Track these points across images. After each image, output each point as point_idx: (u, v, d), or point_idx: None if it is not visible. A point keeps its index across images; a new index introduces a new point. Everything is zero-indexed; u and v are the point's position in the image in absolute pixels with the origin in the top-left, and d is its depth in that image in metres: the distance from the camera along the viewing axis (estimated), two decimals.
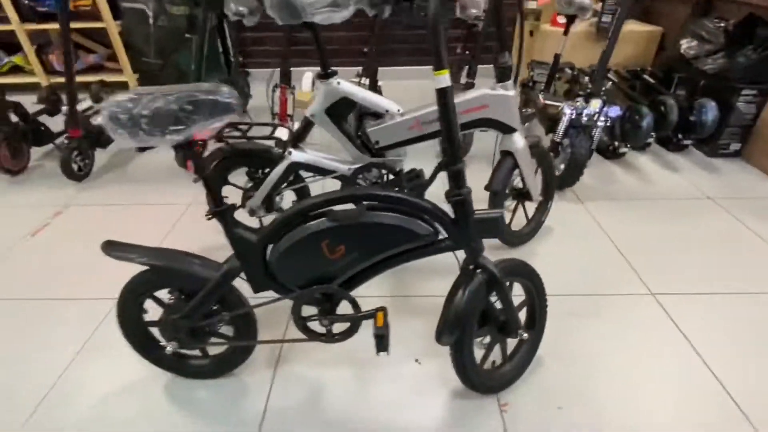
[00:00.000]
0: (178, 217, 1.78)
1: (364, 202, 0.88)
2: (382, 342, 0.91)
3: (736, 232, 1.64)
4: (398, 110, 1.33)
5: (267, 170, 1.44)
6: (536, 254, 1.54)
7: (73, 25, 3.05)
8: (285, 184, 1.46)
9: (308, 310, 0.99)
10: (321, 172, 1.42)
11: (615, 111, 1.76)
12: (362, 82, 2.23)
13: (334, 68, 1.30)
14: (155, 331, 1.04)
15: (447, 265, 1.48)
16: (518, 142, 1.35)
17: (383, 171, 1.42)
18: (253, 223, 1.61)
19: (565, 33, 2.17)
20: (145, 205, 1.87)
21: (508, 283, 1.01)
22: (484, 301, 0.94)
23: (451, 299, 0.91)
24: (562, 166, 1.85)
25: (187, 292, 1.01)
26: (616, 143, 2.11)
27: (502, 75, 1.26)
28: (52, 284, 1.45)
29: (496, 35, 1.24)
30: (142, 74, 3.25)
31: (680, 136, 2.17)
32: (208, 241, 1.61)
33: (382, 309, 0.95)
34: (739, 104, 2.02)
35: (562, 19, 2.60)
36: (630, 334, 1.23)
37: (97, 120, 2.25)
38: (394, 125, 1.33)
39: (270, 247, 0.93)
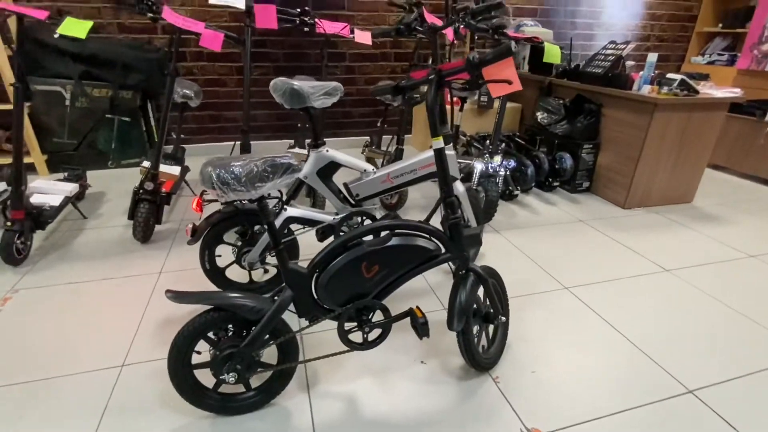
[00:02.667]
0: (152, 286, 1.81)
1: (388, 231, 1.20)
2: (425, 328, 1.19)
3: (604, 241, 2.30)
4: (373, 169, 1.70)
5: (257, 228, 1.64)
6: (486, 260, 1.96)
7: None
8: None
9: (347, 326, 1.22)
10: (311, 223, 1.68)
11: (512, 163, 2.39)
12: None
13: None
14: (199, 375, 1.15)
15: (423, 289, 1.81)
16: (459, 187, 1.81)
17: (363, 218, 1.74)
18: (241, 277, 1.76)
19: (461, 110, 2.85)
20: (110, 279, 1.85)
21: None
22: (476, 295, 1.30)
23: (454, 296, 1.25)
24: (482, 205, 2.38)
25: (236, 329, 1.16)
26: (510, 188, 2.77)
27: (445, 140, 1.73)
28: (36, 365, 1.38)
29: (438, 113, 1.72)
30: (52, 155, 3.10)
31: (550, 179, 2.93)
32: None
33: (413, 307, 1.24)
34: (583, 155, 2.85)
35: (455, 99, 3.35)
36: (559, 316, 1.69)
37: (29, 200, 2.15)
38: (370, 181, 1.69)
39: (315, 276, 1.17)
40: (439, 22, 1.91)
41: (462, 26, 1.76)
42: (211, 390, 1.19)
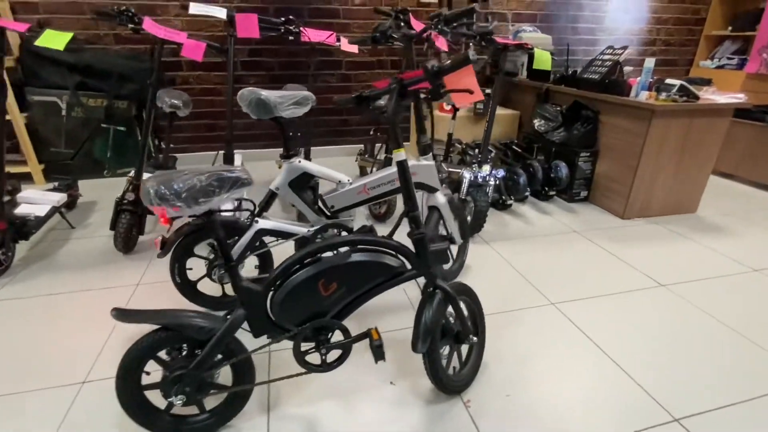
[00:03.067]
0: (128, 298, 1.79)
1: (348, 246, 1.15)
2: (380, 351, 1.13)
3: (598, 253, 2.21)
4: (348, 180, 1.66)
5: (237, 238, 1.60)
6: (468, 278, 1.89)
7: None
8: (249, 252, 1.64)
9: (304, 346, 1.17)
10: (284, 236, 1.64)
11: (501, 173, 2.32)
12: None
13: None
14: (150, 396, 1.11)
15: (400, 303, 1.75)
16: (440, 198, 1.75)
17: (338, 230, 1.69)
18: (215, 290, 1.73)
19: (453, 118, 2.79)
20: (88, 291, 1.83)
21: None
22: (444, 314, 1.23)
23: (420, 316, 1.18)
24: (469, 218, 2.31)
25: (189, 349, 1.12)
26: (503, 197, 2.69)
27: (424, 151, 1.68)
28: (1, 379, 1.36)
29: (416, 124, 1.67)
30: (49, 164, 3.13)
31: (546, 189, 2.84)
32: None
33: (372, 328, 1.18)
34: (580, 163, 2.76)
35: (447, 107, 3.29)
36: (542, 334, 1.61)
37: (16, 210, 2.17)
38: (346, 192, 1.65)
39: (270, 294, 1.12)
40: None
41: (434, 33, 1.71)
42: (163, 411, 1.15)
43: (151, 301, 1.77)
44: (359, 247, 1.16)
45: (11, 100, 2.86)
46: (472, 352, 1.39)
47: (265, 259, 1.71)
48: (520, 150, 3.08)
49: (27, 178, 3.07)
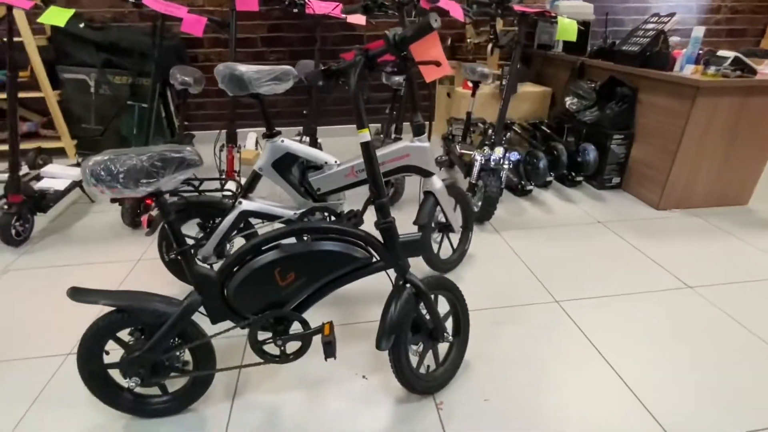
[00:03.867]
0: (126, 274, 1.83)
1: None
2: (330, 348, 1.06)
3: (621, 248, 2.00)
4: (335, 161, 1.57)
5: (218, 220, 1.58)
6: (463, 278, 1.78)
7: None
8: (235, 231, 1.60)
9: (262, 336, 1.12)
10: (269, 218, 1.59)
11: (515, 156, 2.13)
12: (303, 139, 2.49)
13: (278, 129, 1.52)
14: (115, 375, 1.11)
15: (383, 293, 1.66)
16: (436, 183, 1.62)
17: (325, 214, 1.62)
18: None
19: (473, 95, 2.60)
20: (90, 265, 1.89)
21: (433, 296, 1.22)
22: (414, 310, 1.14)
23: (386, 311, 1.10)
24: (480, 203, 2.16)
25: (149, 331, 1.10)
26: (522, 182, 2.49)
27: (417, 131, 1.55)
28: None
29: (410, 101, 1.54)
30: (80, 140, 3.28)
31: (573, 174, 2.61)
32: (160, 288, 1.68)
33: (329, 322, 1.11)
34: (612, 146, 2.50)
35: (467, 83, 3.09)
36: (539, 335, 1.47)
37: (38, 184, 2.27)
38: (332, 174, 1.56)
39: (227, 280, 1.07)
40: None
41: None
42: (125, 390, 1.15)
43: (147, 276, 1.80)
44: (320, 235, 1.08)
45: (44, 78, 2.99)
46: (452, 351, 1.29)
47: (253, 236, 1.67)
48: (549, 131, 2.84)
49: (61, 153, 3.23)
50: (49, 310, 1.60)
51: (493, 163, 2.11)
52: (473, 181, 2.17)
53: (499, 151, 2.10)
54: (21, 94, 3.08)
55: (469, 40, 3.16)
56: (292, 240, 1.10)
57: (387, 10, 1.48)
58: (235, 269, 1.07)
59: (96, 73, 3.11)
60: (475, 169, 2.15)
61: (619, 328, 1.50)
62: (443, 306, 1.32)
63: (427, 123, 1.56)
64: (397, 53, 0.93)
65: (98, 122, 3.26)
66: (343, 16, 2.28)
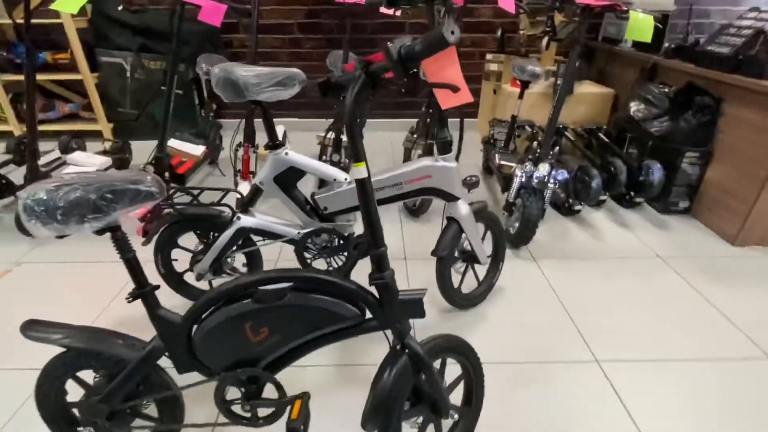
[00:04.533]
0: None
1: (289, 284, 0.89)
2: None
3: (683, 293, 1.67)
4: (345, 178, 1.37)
5: (216, 234, 1.44)
6: (485, 317, 1.54)
7: (53, 76, 3.14)
8: (235, 248, 1.46)
9: (234, 392, 0.97)
10: (271, 236, 1.43)
11: (562, 175, 1.83)
12: (328, 136, 2.31)
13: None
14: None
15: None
16: (462, 209, 1.38)
17: (331, 236, 1.44)
18: (203, 285, 1.60)
19: (520, 97, 2.30)
20: (98, 263, 1.84)
21: (440, 360, 1.01)
22: (411, 382, 0.93)
23: (377, 380, 0.90)
24: (517, 224, 1.89)
25: (113, 374, 0.98)
26: (571, 200, 2.18)
27: (443, 148, 1.32)
28: None
29: (436, 115, 1.30)
30: (116, 123, 3.29)
31: (632, 193, 2.26)
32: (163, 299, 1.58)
33: (302, 396, 0.93)
34: (683, 165, 2.12)
35: (514, 81, 2.76)
36: (568, 405, 1.22)
37: (61, 172, 2.26)
38: (341, 192, 1.37)
39: (195, 327, 0.92)
40: None
41: None
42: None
43: (153, 280, 1.70)
44: (303, 285, 0.89)
45: (82, 60, 3.00)
46: (458, 426, 1.08)
47: (255, 259, 1.53)
48: (607, 140, 2.48)
49: (98, 135, 3.26)
50: (48, 312, 1.55)
51: (536, 181, 1.82)
52: (511, 200, 1.91)
53: (544, 168, 1.82)
54: (62, 76, 3.13)
55: (522, 32, 2.82)
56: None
57: (416, 3, 1.24)
58: (203, 316, 0.91)
59: (132, 57, 3.08)
60: (515, 186, 1.88)
61: (678, 407, 1.22)
62: (453, 369, 1.10)
63: (456, 139, 1.32)
64: (401, 72, 0.71)
65: (133, 106, 3.26)
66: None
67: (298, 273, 0.90)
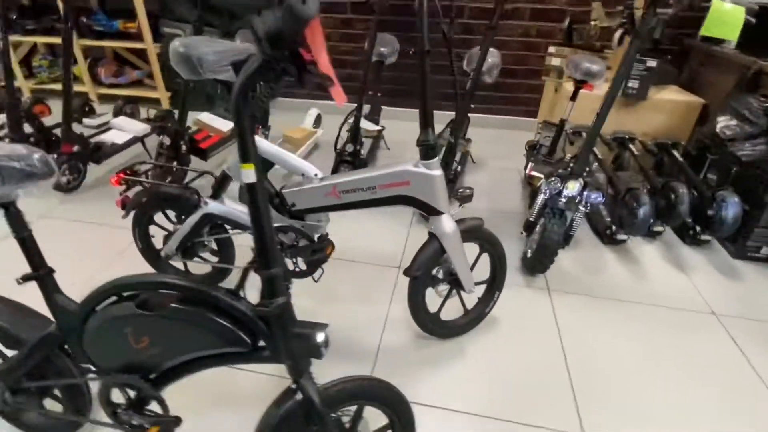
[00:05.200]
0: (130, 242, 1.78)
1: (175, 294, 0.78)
2: None
3: (733, 367, 1.31)
4: (315, 174, 1.23)
5: (184, 216, 1.38)
6: (463, 354, 1.32)
7: (122, 44, 3.35)
8: (207, 232, 1.40)
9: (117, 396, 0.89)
10: (237, 226, 1.35)
11: (597, 197, 1.51)
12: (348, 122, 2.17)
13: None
14: None
15: (364, 350, 1.32)
16: (445, 225, 1.18)
17: (297, 236, 1.31)
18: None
19: (572, 98, 1.97)
20: (114, 228, 1.89)
21: (356, 407, 0.85)
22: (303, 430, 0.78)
23: (261, 422, 0.77)
24: (535, 247, 1.62)
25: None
26: (614, 227, 1.83)
27: (425, 153, 1.11)
28: None
29: (420, 110, 1.10)
30: (174, 93, 3.45)
31: (697, 228, 1.84)
32: None
33: (169, 421, 0.82)
34: None
35: (566, 78, 2.38)
36: None
37: (102, 136, 2.39)
38: (310, 189, 1.23)
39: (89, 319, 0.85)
40: None
41: None
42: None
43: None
44: (193, 297, 0.77)
45: (146, 30, 3.15)
46: None
47: (226, 247, 1.46)
48: (681, 160, 2.06)
49: (156, 103, 3.44)
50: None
51: (563, 201, 1.53)
52: (531, 219, 1.63)
53: (573, 187, 1.51)
54: (128, 44, 3.32)
55: (594, 23, 2.41)
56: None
57: None
58: (96, 309, 0.83)
59: (190, 29, 3.17)
60: (538, 204, 1.60)
61: None
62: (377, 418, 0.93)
63: (445, 143, 1.10)
64: (271, 55, 0.54)
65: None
66: None
67: (187, 283, 0.78)
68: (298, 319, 0.76)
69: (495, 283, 1.40)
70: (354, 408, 0.85)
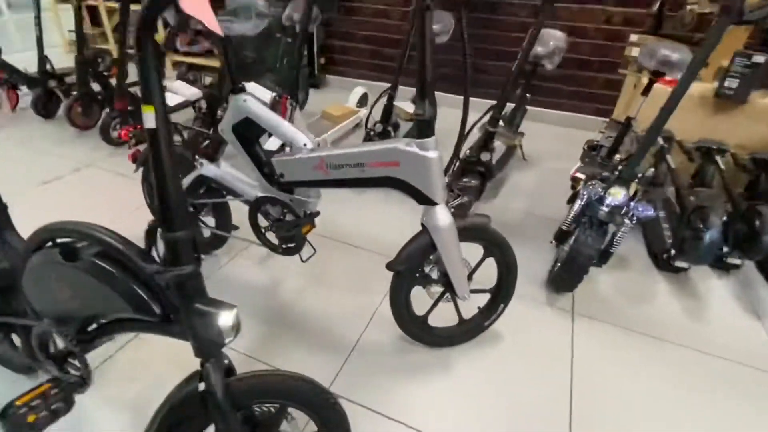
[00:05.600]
0: None
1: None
2: None
3: None
4: (304, 144, 1.12)
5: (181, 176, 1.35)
6: (449, 369, 1.15)
7: None
8: (202, 196, 1.36)
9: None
10: (229, 191, 1.29)
11: (645, 211, 1.22)
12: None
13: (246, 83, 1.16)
14: None
15: (339, 343, 1.21)
16: (439, 218, 1.01)
17: (283, 210, 1.22)
18: None
19: (644, 93, 1.67)
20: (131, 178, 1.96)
21: (275, 408, 0.74)
22: (203, 423, 0.69)
23: (160, 407, 0.69)
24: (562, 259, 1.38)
25: None
26: (673, 251, 1.51)
27: (420, 130, 0.95)
28: None
29: (417, 77, 0.93)
30: (238, 64, 3.55)
31: None
32: None
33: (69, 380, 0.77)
34: None
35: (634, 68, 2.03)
36: None
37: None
38: (298, 160, 1.13)
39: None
40: None
41: None
42: None
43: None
44: (110, 255, 0.71)
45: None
46: None
47: (222, 212, 1.41)
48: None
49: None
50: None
51: (604, 209, 1.27)
52: (565, 227, 1.39)
53: (618, 194, 1.25)
54: None
55: (690, 7, 2.00)
56: None
57: None
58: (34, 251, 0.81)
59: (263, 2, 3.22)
60: (574, 210, 1.36)
61: None
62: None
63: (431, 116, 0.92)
64: None
65: (252, 50, 3.45)
66: None
67: (110, 239, 0.71)
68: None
69: (500, 294, 1.20)
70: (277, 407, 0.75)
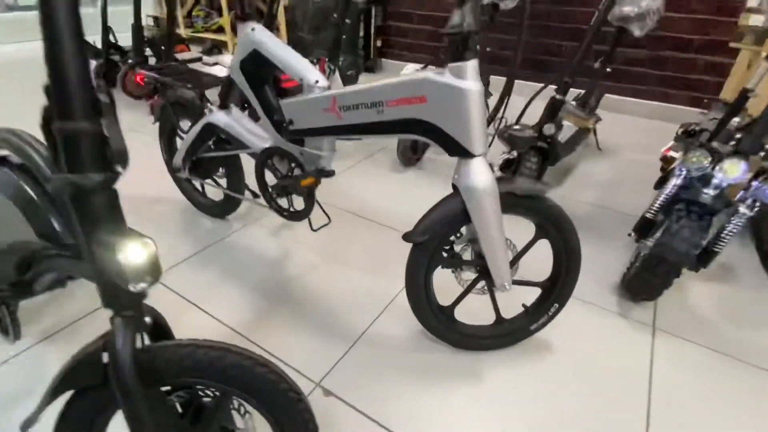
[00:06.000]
0: None
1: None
2: None
3: None
4: (316, 81, 0.92)
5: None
6: (477, 379, 0.89)
7: None
8: (212, 147, 1.21)
9: None
10: (237, 143, 1.12)
11: None
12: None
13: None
14: None
15: (346, 329, 0.99)
16: (476, 175, 0.76)
17: (290, 163, 1.03)
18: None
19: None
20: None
21: (225, 399, 0.54)
22: (100, 400, 0.50)
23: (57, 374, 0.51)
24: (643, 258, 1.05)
25: None
26: None
27: (455, 50, 0.71)
28: None
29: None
30: (294, 45, 3.49)
31: None
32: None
33: None
34: None
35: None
36: None
37: (208, 69, 2.50)
38: (308, 101, 0.93)
39: None
40: None
41: None
42: None
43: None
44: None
45: None
46: None
47: (233, 166, 1.24)
48: None
49: None
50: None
51: (710, 192, 0.94)
52: (650, 215, 1.06)
53: (734, 170, 0.91)
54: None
55: None
56: None
57: None
58: None
59: None
60: (664, 192, 1.03)
61: None
62: None
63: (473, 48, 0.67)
64: None
65: (309, 31, 3.37)
66: None
67: (27, 143, 0.55)
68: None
69: (555, 290, 0.91)
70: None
